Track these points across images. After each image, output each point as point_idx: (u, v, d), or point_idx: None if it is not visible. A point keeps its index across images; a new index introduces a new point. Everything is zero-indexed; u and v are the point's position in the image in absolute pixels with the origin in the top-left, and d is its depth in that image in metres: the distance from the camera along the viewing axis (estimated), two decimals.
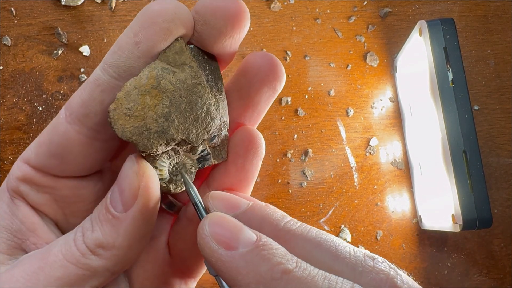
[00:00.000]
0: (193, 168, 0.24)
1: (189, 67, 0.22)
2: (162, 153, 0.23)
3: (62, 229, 0.25)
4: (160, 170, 0.23)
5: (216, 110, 0.23)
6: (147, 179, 0.21)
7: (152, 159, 0.23)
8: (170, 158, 0.23)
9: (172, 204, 0.26)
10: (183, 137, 0.22)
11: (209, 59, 0.24)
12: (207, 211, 0.23)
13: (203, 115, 0.22)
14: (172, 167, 0.24)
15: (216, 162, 0.25)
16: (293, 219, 0.22)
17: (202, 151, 0.24)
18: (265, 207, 0.22)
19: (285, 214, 0.22)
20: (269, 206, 0.23)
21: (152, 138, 0.22)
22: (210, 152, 0.24)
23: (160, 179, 0.23)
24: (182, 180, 0.24)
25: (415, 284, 0.19)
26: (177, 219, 0.27)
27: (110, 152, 0.24)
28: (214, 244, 0.20)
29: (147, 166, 0.22)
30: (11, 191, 0.23)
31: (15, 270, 0.21)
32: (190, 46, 0.23)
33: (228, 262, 0.19)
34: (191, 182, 0.23)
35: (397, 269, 0.19)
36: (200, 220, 0.22)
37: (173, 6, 0.21)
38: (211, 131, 0.23)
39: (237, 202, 0.23)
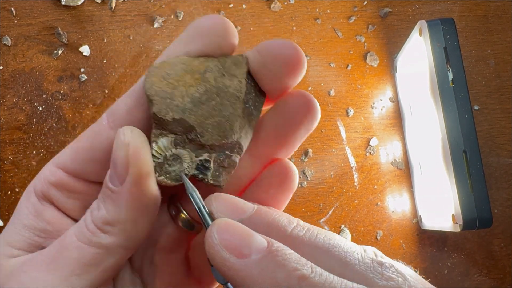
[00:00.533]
0: (188, 168, 0.23)
1: (238, 81, 0.22)
2: (170, 133, 0.22)
3: None
4: (159, 148, 0.22)
5: (239, 131, 0.22)
6: (136, 147, 0.21)
7: (158, 132, 0.22)
8: (175, 146, 0.23)
9: (191, 223, 0.26)
10: (196, 128, 0.22)
11: (259, 92, 0.24)
12: (211, 215, 0.22)
13: (226, 124, 0.22)
14: (170, 155, 0.23)
15: (211, 182, 0.23)
16: (299, 222, 0.22)
17: (205, 159, 0.23)
18: (271, 211, 0.22)
19: (290, 217, 0.22)
20: (273, 210, 0.22)
21: (169, 108, 0.22)
22: (212, 168, 0.23)
23: (153, 155, 0.22)
24: (184, 183, 0.23)
25: (425, 283, 0.20)
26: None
27: None
28: (225, 252, 0.19)
29: (135, 135, 0.21)
30: (40, 194, 0.23)
31: (38, 255, 0.22)
32: (249, 72, 0.23)
33: (241, 271, 0.19)
34: (193, 186, 0.23)
35: (405, 274, 0.19)
36: (204, 226, 0.22)
37: (222, 21, 0.22)
38: (224, 144, 0.22)
39: (241, 205, 0.22)
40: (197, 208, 0.22)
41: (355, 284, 0.18)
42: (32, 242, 0.23)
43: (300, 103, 0.24)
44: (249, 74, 0.23)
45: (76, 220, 0.24)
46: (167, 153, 0.23)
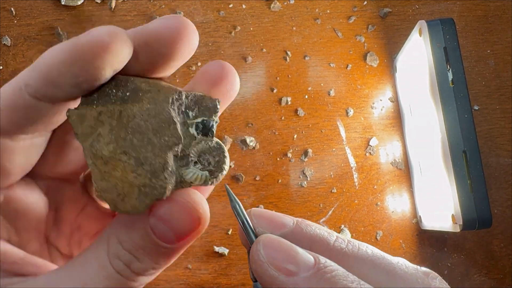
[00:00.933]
0: (209, 142, 0.23)
1: (100, 114, 0.21)
2: (180, 173, 0.22)
3: (15, 244, 0.24)
4: (195, 179, 0.22)
5: (155, 102, 0.21)
6: (203, 212, 0.22)
7: (181, 184, 0.22)
8: (189, 163, 0.22)
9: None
10: (168, 152, 0.21)
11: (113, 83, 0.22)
12: (253, 230, 0.22)
13: (153, 119, 0.21)
14: (199, 162, 0.23)
15: (216, 115, 0.23)
16: (339, 235, 0.22)
17: (197, 128, 0.23)
18: (311, 224, 0.22)
19: (329, 230, 0.22)
20: (312, 223, 0.23)
21: (154, 185, 0.21)
22: (202, 117, 0.23)
23: (201, 183, 0.22)
24: (228, 195, 0.23)
25: None
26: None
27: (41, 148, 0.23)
28: (274, 271, 0.19)
29: (196, 199, 0.22)
30: None
31: None
32: (82, 99, 0.21)
33: None
34: (236, 198, 0.23)
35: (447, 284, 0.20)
36: (248, 239, 0.22)
37: (119, 44, 0.19)
38: (174, 117, 0.21)
39: (282, 220, 0.22)
40: (240, 223, 0.22)
41: None
42: None
43: (216, 69, 0.23)
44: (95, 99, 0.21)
45: (5, 239, 0.23)
46: (200, 168, 0.23)
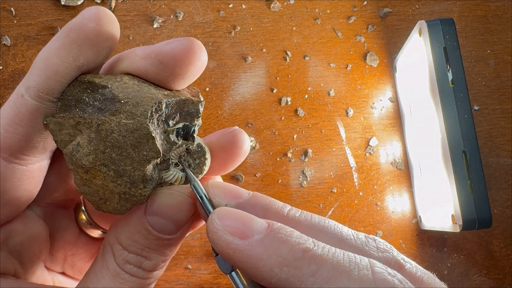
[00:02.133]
0: (191, 146, 0.24)
1: (78, 123, 0.21)
2: (160, 175, 0.23)
3: (20, 277, 0.25)
4: (175, 180, 0.23)
5: (133, 117, 0.21)
6: (191, 198, 0.23)
7: (160, 184, 0.23)
8: (170, 166, 0.23)
9: (90, 220, 0.28)
10: (147, 164, 0.22)
11: (86, 87, 0.22)
12: (211, 203, 0.23)
13: (131, 135, 0.21)
14: (180, 163, 0.24)
15: (198, 119, 0.24)
16: (293, 207, 0.23)
17: (178, 134, 0.23)
18: (265, 196, 0.23)
19: (284, 203, 0.23)
20: (266, 196, 0.24)
21: (134, 193, 0.22)
22: (183, 122, 0.23)
23: (181, 183, 0.24)
24: (187, 175, 0.24)
25: (415, 263, 0.21)
26: None
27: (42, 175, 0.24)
28: (228, 236, 0.20)
29: (180, 188, 0.23)
30: None
31: None
32: (58, 105, 0.21)
33: (246, 251, 0.19)
34: (194, 177, 0.24)
35: (395, 249, 0.22)
36: (206, 214, 0.22)
37: (108, 20, 0.20)
38: (153, 132, 0.21)
39: (237, 191, 0.23)
40: (199, 198, 0.23)
41: (356, 255, 0.19)
42: None
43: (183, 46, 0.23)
44: (70, 91, 0.21)
45: (7, 274, 0.23)
46: (180, 171, 0.24)
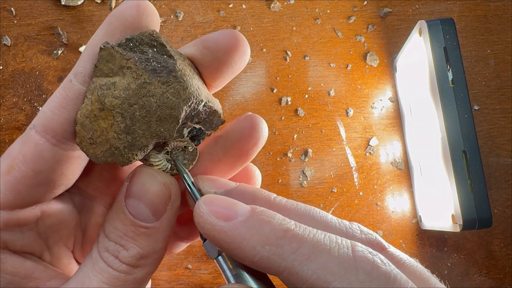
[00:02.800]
0: (190, 146, 0.24)
1: (127, 68, 0.21)
2: (149, 152, 0.23)
3: (47, 262, 0.25)
4: (157, 165, 0.23)
5: (177, 96, 0.22)
6: (171, 184, 0.23)
7: (143, 161, 0.23)
8: (161, 151, 0.24)
9: None
10: (155, 140, 0.22)
11: (157, 45, 0.23)
12: (200, 192, 0.24)
13: (165, 110, 0.22)
14: (170, 154, 0.24)
15: (213, 131, 0.25)
16: (279, 196, 0.24)
17: (190, 132, 0.24)
18: (252, 186, 0.24)
19: (270, 192, 0.24)
20: (254, 186, 0.24)
21: (124, 153, 0.22)
22: (201, 126, 0.24)
23: (161, 169, 0.24)
24: (177, 168, 0.24)
25: (396, 249, 0.22)
26: None
27: (82, 165, 0.24)
28: (213, 218, 0.21)
29: (164, 174, 0.23)
30: None
31: None
32: (122, 41, 0.22)
33: (230, 231, 0.20)
34: (184, 168, 0.24)
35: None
36: (194, 201, 0.23)
37: (148, 9, 0.22)
38: (181, 119, 0.22)
39: (225, 181, 0.24)
40: (187, 186, 0.24)
41: (337, 236, 0.20)
42: None
43: (228, 38, 0.24)
44: (126, 45, 0.22)
45: (33, 255, 0.23)
46: (167, 158, 0.24)
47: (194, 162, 0.25)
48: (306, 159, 0.52)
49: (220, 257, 0.22)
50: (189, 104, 0.22)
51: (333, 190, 0.52)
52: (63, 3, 0.51)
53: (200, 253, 0.50)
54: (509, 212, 0.51)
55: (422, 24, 0.43)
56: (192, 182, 0.24)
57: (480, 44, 0.53)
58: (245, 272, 0.22)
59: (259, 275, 0.22)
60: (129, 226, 0.22)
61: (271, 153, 0.52)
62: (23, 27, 0.52)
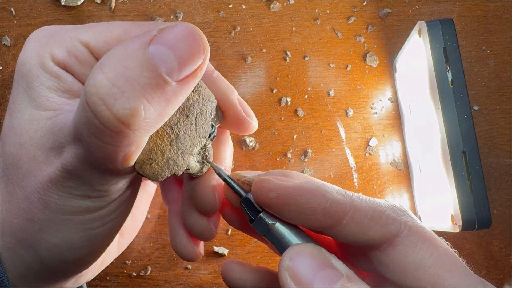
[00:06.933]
0: (209, 144, 0.27)
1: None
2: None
3: None
4: (193, 169, 0.26)
5: (203, 98, 0.25)
6: (207, 45, 0.22)
7: (185, 170, 0.26)
8: (193, 157, 0.26)
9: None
10: (197, 139, 0.25)
11: None
12: (241, 186, 0.26)
13: (197, 110, 0.24)
14: (201, 154, 0.27)
15: (219, 124, 0.28)
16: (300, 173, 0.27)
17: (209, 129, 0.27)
18: (280, 170, 0.28)
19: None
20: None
21: (178, 162, 0.24)
22: (213, 123, 0.27)
23: (192, 173, 0.27)
24: (212, 167, 0.27)
25: None
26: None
27: None
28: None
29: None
30: (62, 63, 0.23)
31: None
32: None
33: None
34: (218, 166, 0.27)
35: None
36: (236, 192, 0.26)
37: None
38: (208, 117, 0.25)
39: (257, 172, 0.27)
40: (230, 182, 0.26)
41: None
42: (57, 101, 0.23)
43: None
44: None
45: None
46: (197, 160, 0.27)
47: (212, 157, 0.28)
48: (306, 160, 0.52)
49: (278, 224, 0.24)
50: (211, 101, 0.26)
51: None
52: (63, 3, 0.51)
53: None
54: (509, 212, 0.51)
55: (421, 24, 0.43)
56: (228, 176, 0.26)
57: (480, 44, 0.53)
58: (301, 233, 0.25)
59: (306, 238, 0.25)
60: (145, 70, 0.19)
61: (270, 154, 0.52)
62: (23, 28, 0.52)
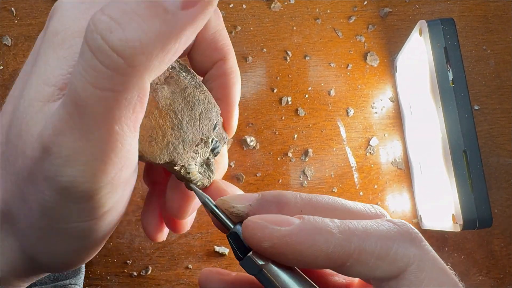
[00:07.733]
0: (212, 158, 0.26)
1: (171, 78, 0.24)
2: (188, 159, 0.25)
3: None
4: (193, 174, 0.25)
5: (209, 102, 0.25)
6: None
7: (185, 169, 0.25)
8: (194, 160, 0.26)
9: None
10: (199, 135, 0.24)
11: (184, 67, 0.26)
12: (228, 217, 0.24)
13: (202, 108, 0.25)
14: (199, 166, 0.26)
15: (224, 145, 0.27)
16: (301, 193, 0.25)
17: (212, 142, 0.26)
18: (273, 192, 0.25)
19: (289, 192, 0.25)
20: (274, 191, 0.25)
21: (179, 149, 0.24)
22: (217, 140, 0.27)
23: (193, 179, 0.25)
24: (196, 194, 0.26)
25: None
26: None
27: None
28: (273, 226, 0.22)
29: None
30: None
31: None
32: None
33: (298, 231, 0.21)
34: (203, 193, 0.25)
35: None
36: (226, 227, 0.24)
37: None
38: (211, 120, 0.25)
39: (248, 195, 0.24)
40: (217, 212, 0.24)
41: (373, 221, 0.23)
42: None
43: None
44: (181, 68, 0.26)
45: None
46: (198, 170, 0.26)
47: (214, 175, 0.27)
48: (307, 159, 0.52)
49: (270, 265, 0.22)
50: (216, 109, 0.26)
51: (333, 190, 0.52)
52: None
53: (201, 253, 0.50)
54: (509, 212, 0.51)
55: (422, 24, 0.43)
56: (215, 205, 0.24)
57: (480, 44, 0.53)
58: (296, 274, 0.23)
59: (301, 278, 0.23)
60: (147, 2, 0.17)
61: (271, 153, 0.52)
62: (24, 27, 0.52)
